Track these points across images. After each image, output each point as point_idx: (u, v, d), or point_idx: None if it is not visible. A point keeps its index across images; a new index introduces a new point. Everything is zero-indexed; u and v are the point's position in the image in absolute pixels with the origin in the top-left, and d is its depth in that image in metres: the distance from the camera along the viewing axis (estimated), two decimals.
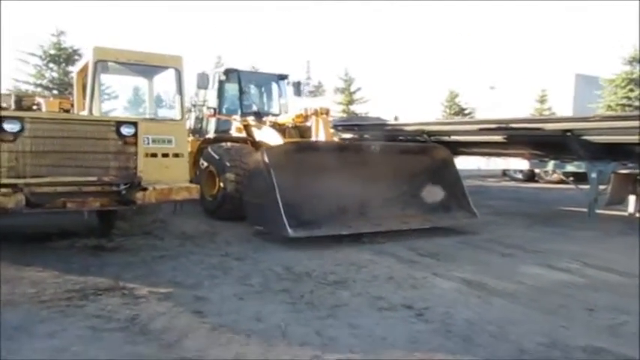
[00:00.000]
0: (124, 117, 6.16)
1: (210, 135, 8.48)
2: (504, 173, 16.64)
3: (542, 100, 23.46)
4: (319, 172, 5.84)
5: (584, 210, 7.70)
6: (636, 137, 6.58)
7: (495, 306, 3.60)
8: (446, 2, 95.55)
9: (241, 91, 8.67)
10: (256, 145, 7.55)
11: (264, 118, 8.08)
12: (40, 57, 19.40)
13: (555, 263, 4.92)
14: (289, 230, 5.10)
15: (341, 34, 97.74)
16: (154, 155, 5.66)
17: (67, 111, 7.33)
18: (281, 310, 3.38)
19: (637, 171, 7.22)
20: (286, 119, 7.83)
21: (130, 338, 2.84)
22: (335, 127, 10.72)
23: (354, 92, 27.36)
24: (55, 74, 19.56)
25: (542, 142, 8.07)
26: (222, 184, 6.85)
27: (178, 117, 6.14)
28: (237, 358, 2.64)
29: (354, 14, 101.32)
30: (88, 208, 4.60)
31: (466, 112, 25.61)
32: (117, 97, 15.77)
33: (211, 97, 8.78)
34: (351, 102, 27.00)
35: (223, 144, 7.49)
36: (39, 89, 18.91)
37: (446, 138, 9.08)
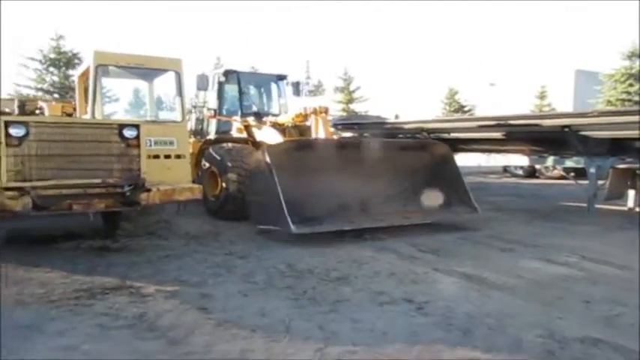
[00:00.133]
0: (126, 120, 6.25)
1: (211, 136, 8.56)
2: (505, 170, 16.71)
3: (542, 97, 23.50)
4: (320, 170, 5.92)
5: (584, 205, 7.77)
6: (635, 132, 6.64)
7: (494, 299, 3.67)
8: (446, 2, 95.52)
9: (241, 92, 8.75)
10: (257, 146, 7.62)
11: (264, 119, 8.15)
12: (40, 61, 19.52)
13: (554, 257, 4.98)
14: (292, 227, 5.17)
15: (340, 33, 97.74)
16: (157, 157, 5.75)
17: (70, 115, 7.40)
18: (284, 305, 3.45)
19: (635, 166, 7.27)
20: (286, 119, 7.90)
21: (139, 335, 2.92)
22: (335, 126, 10.80)
23: (354, 91, 27.45)
24: (55, 78, 19.68)
25: (541, 138, 8.13)
26: (224, 185, 6.93)
27: (179, 119, 6.22)
28: (242, 352, 2.72)
29: (354, 14, 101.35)
30: (93, 210, 4.68)
31: (466, 109, 25.66)
32: (117, 100, 15.89)
33: (211, 99, 8.86)
34: (350, 101, 27.09)
35: (224, 145, 7.56)
36: (40, 93, 19.02)
37: (445, 135, 9.15)
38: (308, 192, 5.80)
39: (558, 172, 12.83)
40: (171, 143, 5.99)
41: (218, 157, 7.16)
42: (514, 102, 21.19)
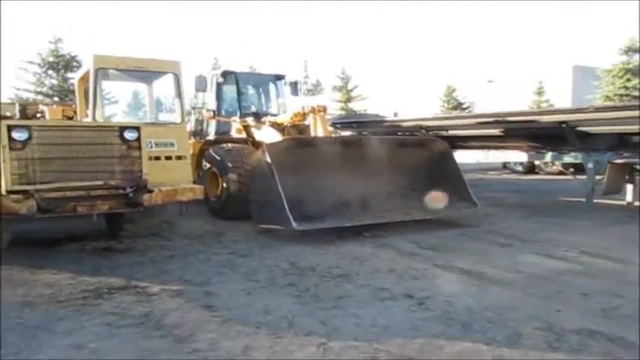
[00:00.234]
0: (127, 122, 6.30)
1: (211, 137, 8.61)
2: (505, 166, 16.77)
3: (539, 93, 23.57)
4: (321, 168, 5.98)
5: (583, 200, 7.82)
6: (631, 127, 6.70)
7: (494, 294, 3.73)
8: (446, 2, 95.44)
9: (239, 93, 8.80)
10: (257, 145, 7.67)
11: (263, 119, 8.20)
12: (39, 64, 19.56)
13: (553, 252, 5.04)
14: (294, 223, 5.23)
15: (339, 32, 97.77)
16: (158, 158, 5.80)
17: (70, 118, 7.46)
18: (287, 303, 3.51)
19: (633, 160, 7.33)
20: (285, 118, 7.95)
21: (146, 333, 2.98)
22: (333, 125, 10.84)
23: (352, 90, 27.50)
24: (54, 81, 19.71)
25: (539, 134, 8.20)
26: (225, 185, 6.99)
27: (179, 120, 6.27)
28: (246, 348, 2.78)
29: (353, 13, 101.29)
30: (97, 211, 4.74)
31: (464, 106, 25.72)
32: (116, 102, 15.96)
33: (210, 100, 8.91)
34: (349, 100, 27.16)
35: (224, 145, 7.62)
36: (39, 96, 19.07)
37: (444, 133, 9.20)
38: (309, 190, 5.86)
39: (557, 167, 12.89)
40: (172, 145, 6.04)
41: (218, 158, 7.22)
42: (512, 98, 21.25)
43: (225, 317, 3.22)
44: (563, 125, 7.34)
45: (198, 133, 9.14)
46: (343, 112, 24.52)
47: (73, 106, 8.28)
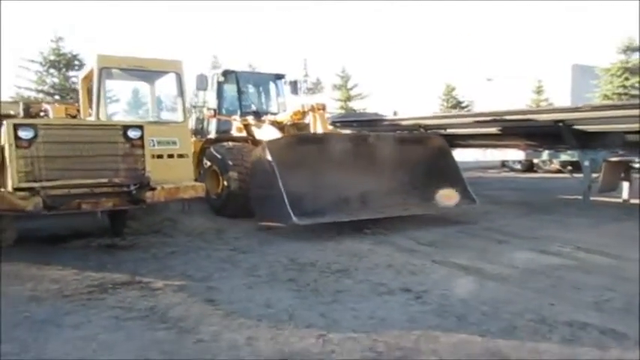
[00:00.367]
0: (130, 121, 6.39)
1: (212, 135, 8.70)
2: (503, 164, 16.85)
3: (538, 91, 23.65)
4: (321, 164, 6.06)
5: (580, 198, 7.91)
6: (628, 126, 6.78)
7: (489, 288, 3.82)
8: (446, 2, 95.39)
9: (240, 92, 8.89)
10: (257, 144, 7.74)
11: (263, 117, 8.29)
12: (41, 63, 19.64)
13: (549, 248, 5.13)
14: (294, 218, 5.31)
15: (338, 31, 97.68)
16: (160, 156, 5.89)
17: (74, 117, 7.55)
18: (288, 297, 3.61)
19: (628, 158, 7.42)
20: (284, 117, 8.03)
21: (151, 325, 3.08)
22: (333, 123, 10.91)
23: (351, 89, 27.58)
24: (55, 80, 19.79)
25: (536, 132, 8.28)
26: (225, 183, 7.08)
27: (181, 119, 6.36)
28: (249, 339, 2.87)
29: (353, 13, 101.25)
30: (101, 209, 4.83)
31: (463, 104, 25.80)
32: (118, 101, 16.04)
33: (211, 99, 9.00)
34: (348, 98, 27.22)
35: (225, 144, 7.70)
36: (40, 95, 19.15)
37: (442, 131, 9.28)
38: (309, 186, 5.94)
39: (555, 166, 12.98)
40: (174, 143, 6.13)
41: (219, 156, 7.31)
42: (511, 97, 21.34)
43: (227, 310, 3.32)
44: (560, 124, 7.43)
45: (199, 131, 9.22)
46: (343, 111, 24.61)
47: (76, 104, 8.37)
